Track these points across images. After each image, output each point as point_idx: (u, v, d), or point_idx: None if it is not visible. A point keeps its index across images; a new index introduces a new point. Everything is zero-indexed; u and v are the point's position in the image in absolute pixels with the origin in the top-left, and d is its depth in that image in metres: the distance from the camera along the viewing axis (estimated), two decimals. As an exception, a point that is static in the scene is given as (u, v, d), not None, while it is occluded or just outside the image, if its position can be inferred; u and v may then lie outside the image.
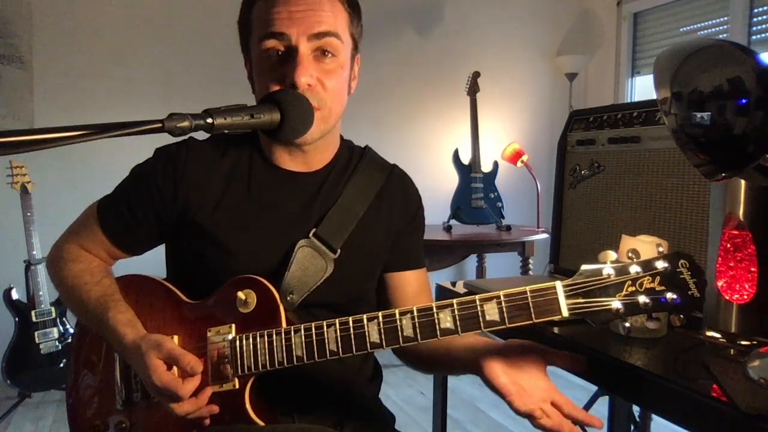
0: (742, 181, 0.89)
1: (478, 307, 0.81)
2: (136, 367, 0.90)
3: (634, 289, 0.77)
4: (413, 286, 1.11)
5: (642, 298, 0.77)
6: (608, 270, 0.78)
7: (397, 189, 1.10)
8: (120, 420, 1.00)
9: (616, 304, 0.77)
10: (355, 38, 1.00)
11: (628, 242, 0.98)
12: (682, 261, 0.77)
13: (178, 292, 1.01)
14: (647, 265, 0.77)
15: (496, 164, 3.43)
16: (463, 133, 3.52)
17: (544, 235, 3.19)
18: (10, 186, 2.67)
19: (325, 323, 0.87)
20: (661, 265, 0.77)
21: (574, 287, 0.79)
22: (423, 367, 1.10)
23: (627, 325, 0.79)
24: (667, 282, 0.77)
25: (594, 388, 2.17)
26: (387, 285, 1.11)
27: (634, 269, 0.77)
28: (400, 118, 3.80)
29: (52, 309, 2.68)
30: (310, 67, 0.92)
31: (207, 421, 0.90)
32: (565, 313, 0.78)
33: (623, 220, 1.30)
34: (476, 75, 3.44)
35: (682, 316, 0.77)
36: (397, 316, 0.84)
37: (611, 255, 0.79)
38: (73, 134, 0.61)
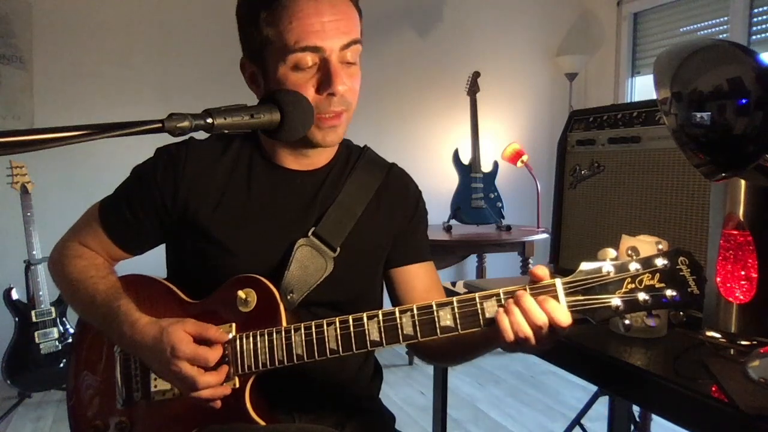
0: (742, 181, 0.89)
1: (478, 305, 0.81)
2: (152, 345, 0.88)
3: (633, 286, 0.77)
4: (422, 281, 1.10)
5: (641, 295, 0.77)
6: (608, 267, 0.78)
7: (397, 186, 1.10)
8: (120, 420, 1.00)
9: (615, 301, 0.77)
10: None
11: (628, 242, 0.98)
12: (681, 258, 0.77)
13: (179, 292, 1.02)
14: (646, 263, 0.77)
15: (496, 164, 3.43)
16: (463, 133, 3.52)
17: (544, 235, 3.19)
18: (10, 186, 2.67)
19: (325, 322, 0.87)
20: (660, 262, 0.77)
21: (574, 284, 0.79)
22: (446, 357, 1.09)
23: (627, 322, 0.79)
24: (667, 279, 0.77)
25: (594, 388, 2.17)
26: (395, 281, 1.11)
27: (634, 266, 0.77)
28: (400, 118, 3.81)
29: (52, 309, 2.69)
30: (344, 74, 0.93)
31: (217, 404, 0.89)
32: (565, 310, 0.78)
33: (623, 220, 1.30)
34: (476, 75, 3.44)
35: (681, 313, 0.77)
36: (397, 314, 0.84)
37: (611, 252, 0.80)
38: (73, 134, 0.61)
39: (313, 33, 0.90)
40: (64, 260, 1.05)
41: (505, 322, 0.78)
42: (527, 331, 0.77)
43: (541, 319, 0.77)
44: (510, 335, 0.78)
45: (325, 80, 0.92)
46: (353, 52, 0.94)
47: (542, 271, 0.80)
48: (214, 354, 0.87)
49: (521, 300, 0.78)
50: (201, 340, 0.88)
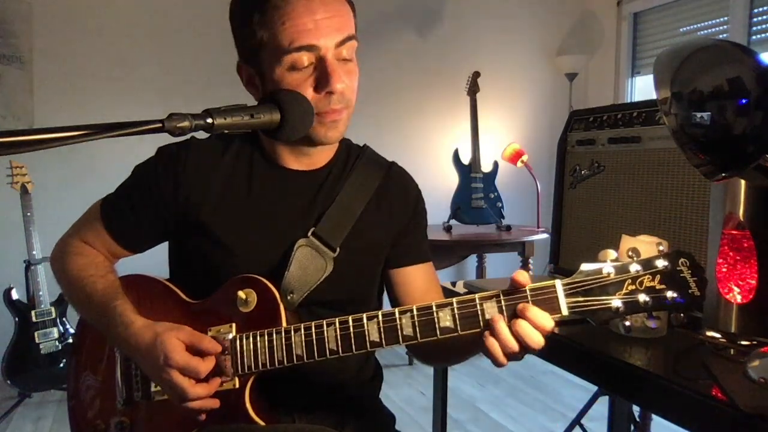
0: (742, 181, 0.89)
1: (478, 306, 0.81)
2: (146, 350, 0.88)
3: (634, 287, 0.77)
4: (421, 281, 1.10)
5: (642, 297, 0.77)
6: (608, 268, 0.78)
7: (396, 185, 1.10)
8: (121, 419, 1.00)
9: (616, 302, 0.77)
10: None
11: (628, 242, 0.98)
12: (682, 259, 0.77)
13: (179, 292, 1.02)
14: (647, 264, 0.77)
15: (496, 164, 3.44)
16: (463, 133, 3.52)
17: (544, 235, 3.19)
18: (10, 186, 2.67)
19: (324, 322, 0.87)
20: (661, 263, 0.77)
21: (574, 286, 0.79)
22: (441, 357, 1.10)
23: (627, 323, 0.79)
24: (668, 280, 0.77)
25: (594, 388, 2.18)
26: (394, 282, 1.10)
27: (634, 268, 0.77)
28: (400, 118, 3.80)
29: (52, 309, 2.69)
30: (341, 72, 0.93)
31: (203, 416, 0.90)
32: (565, 311, 0.78)
33: (623, 220, 1.30)
34: (476, 75, 3.44)
35: (682, 314, 0.77)
36: (397, 315, 0.84)
37: (611, 254, 0.79)
38: (73, 134, 0.61)
39: (306, 32, 0.89)
40: (65, 257, 1.06)
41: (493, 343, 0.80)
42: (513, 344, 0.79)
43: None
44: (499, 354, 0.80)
45: (322, 79, 0.91)
46: (349, 49, 0.94)
47: (523, 276, 0.80)
48: (205, 366, 0.87)
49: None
50: (195, 350, 0.88)
